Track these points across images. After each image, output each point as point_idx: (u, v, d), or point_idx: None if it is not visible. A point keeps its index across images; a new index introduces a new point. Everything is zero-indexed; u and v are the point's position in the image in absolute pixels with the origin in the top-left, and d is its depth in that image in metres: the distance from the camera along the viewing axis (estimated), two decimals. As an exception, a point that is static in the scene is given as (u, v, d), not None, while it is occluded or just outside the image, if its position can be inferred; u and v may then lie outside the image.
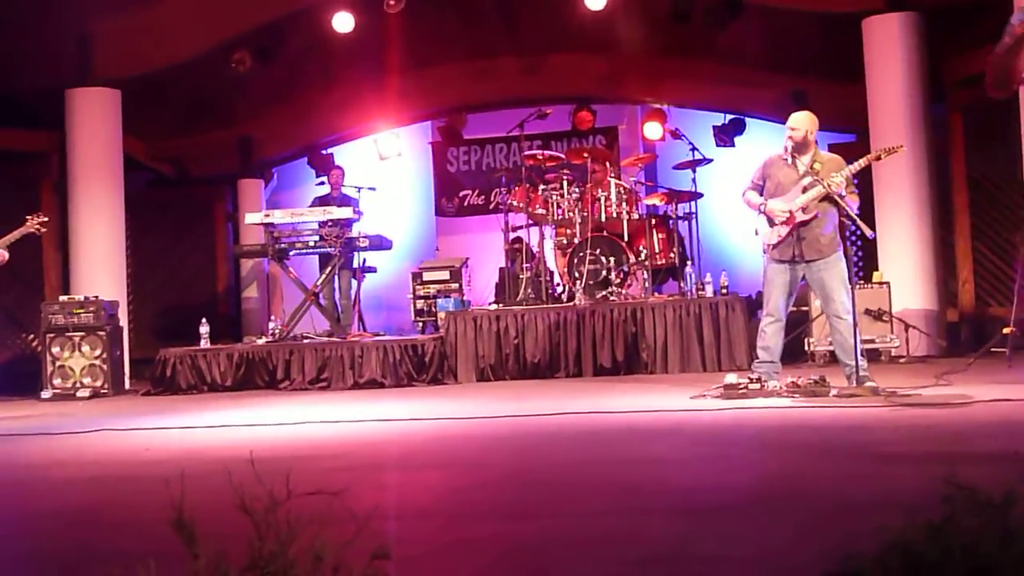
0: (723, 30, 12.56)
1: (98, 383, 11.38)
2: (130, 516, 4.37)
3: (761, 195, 7.94)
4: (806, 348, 10.56)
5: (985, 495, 2.53)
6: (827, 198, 7.59)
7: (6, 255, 9.18)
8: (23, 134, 13.17)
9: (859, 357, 7.50)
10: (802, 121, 7.79)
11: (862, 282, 10.91)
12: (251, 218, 12.27)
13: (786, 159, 7.81)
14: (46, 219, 9.41)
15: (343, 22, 13.05)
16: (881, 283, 10.77)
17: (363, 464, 5.66)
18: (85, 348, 11.43)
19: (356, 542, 2.47)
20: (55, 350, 11.42)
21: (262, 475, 2.69)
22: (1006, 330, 9.34)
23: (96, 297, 11.61)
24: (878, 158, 7.94)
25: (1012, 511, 2.50)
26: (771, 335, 7.84)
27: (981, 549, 2.40)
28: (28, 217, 9.61)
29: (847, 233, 7.75)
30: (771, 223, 7.80)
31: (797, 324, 10.34)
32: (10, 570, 3.47)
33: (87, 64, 12.61)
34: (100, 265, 12.55)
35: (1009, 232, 11.29)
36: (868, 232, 7.51)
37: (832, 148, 13.02)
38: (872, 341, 10.28)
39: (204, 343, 11.75)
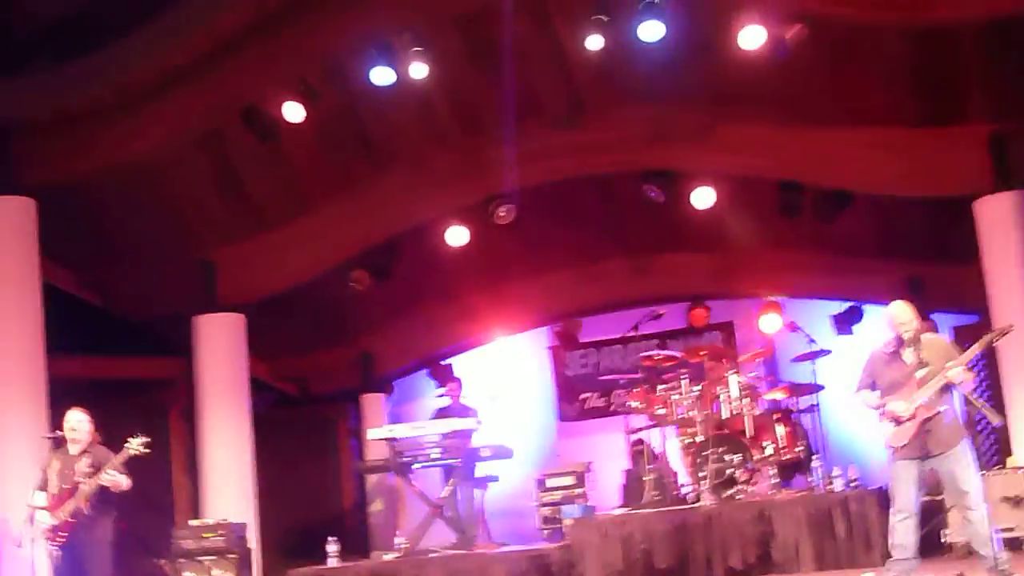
0: (833, 221, 12.59)
1: (228, 608, 11.40)
2: None
3: (871, 391, 7.83)
4: (943, 540, 10.20)
5: None
6: (945, 386, 7.46)
7: (123, 482, 9.09)
8: (153, 362, 13.57)
9: (997, 548, 7.26)
10: (910, 314, 7.68)
11: (997, 468, 10.60)
12: (374, 433, 12.40)
13: (893, 353, 7.71)
14: (148, 439, 9.28)
15: (457, 236, 13.37)
16: (1017, 468, 10.44)
17: None
18: (216, 572, 11.48)
19: None
20: (186, 575, 11.50)
21: None
22: None
23: (225, 520, 11.70)
24: (991, 342, 7.77)
25: None
26: (903, 532, 7.61)
27: None
28: (128, 440, 9.05)
29: (975, 421, 7.60)
30: (896, 422, 7.64)
31: (931, 515, 10.03)
32: None
33: (212, 291, 12.99)
34: (228, 488, 12.69)
35: None
36: (996, 420, 7.36)
37: (956, 331, 12.89)
38: (1012, 530, 9.93)
39: (333, 562, 11.73)
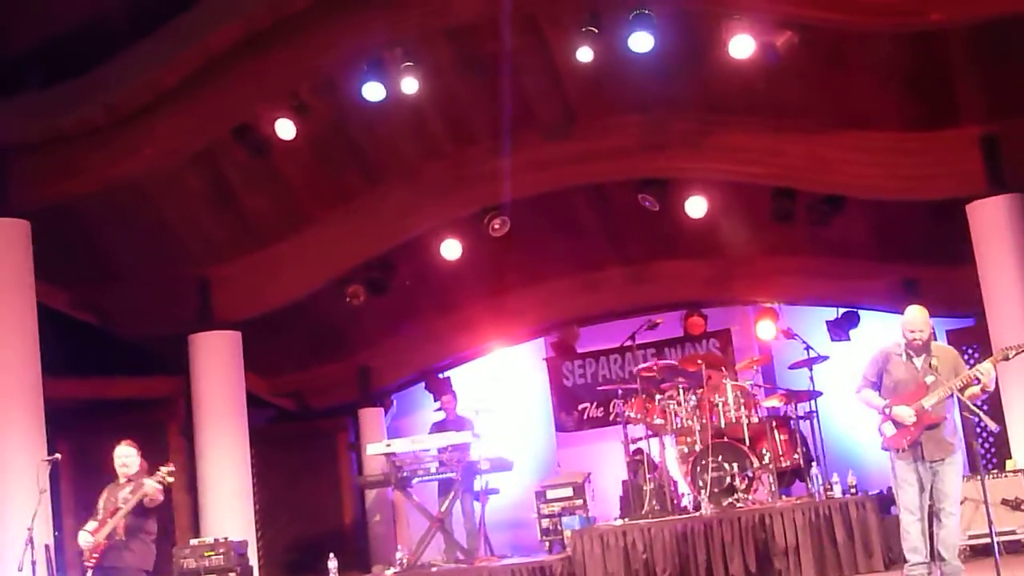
0: (827, 226, 12.57)
1: (229, 628, 11.35)
2: None
3: (875, 391, 7.84)
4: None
5: None
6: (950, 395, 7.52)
7: (150, 491, 9.14)
8: (149, 381, 13.57)
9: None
10: (923, 321, 7.70)
11: (996, 472, 10.59)
12: (373, 448, 12.40)
13: (901, 356, 7.73)
14: (172, 468, 9.38)
15: (451, 249, 13.37)
16: (1016, 471, 10.44)
17: None
18: (217, 591, 11.45)
19: None
20: (188, 594, 11.47)
21: None
22: None
23: (226, 538, 11.63)
24: (1005, 358, 7.76)
25: None
26: (916, 535, 7.64)
27: None
28: (159, 467, 9.26)
29: (974, 426, 7.65)
30: (897, 425, 7.65)
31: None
32: None
33: (208, 309, 12.99)
34: (228, 505, 12.66)
35: None
36: (993, 426, 7.40)
37: (950, 333, 12.88)
38: (1013, 532, 9.93)
39: (332, 579, 11.71)
